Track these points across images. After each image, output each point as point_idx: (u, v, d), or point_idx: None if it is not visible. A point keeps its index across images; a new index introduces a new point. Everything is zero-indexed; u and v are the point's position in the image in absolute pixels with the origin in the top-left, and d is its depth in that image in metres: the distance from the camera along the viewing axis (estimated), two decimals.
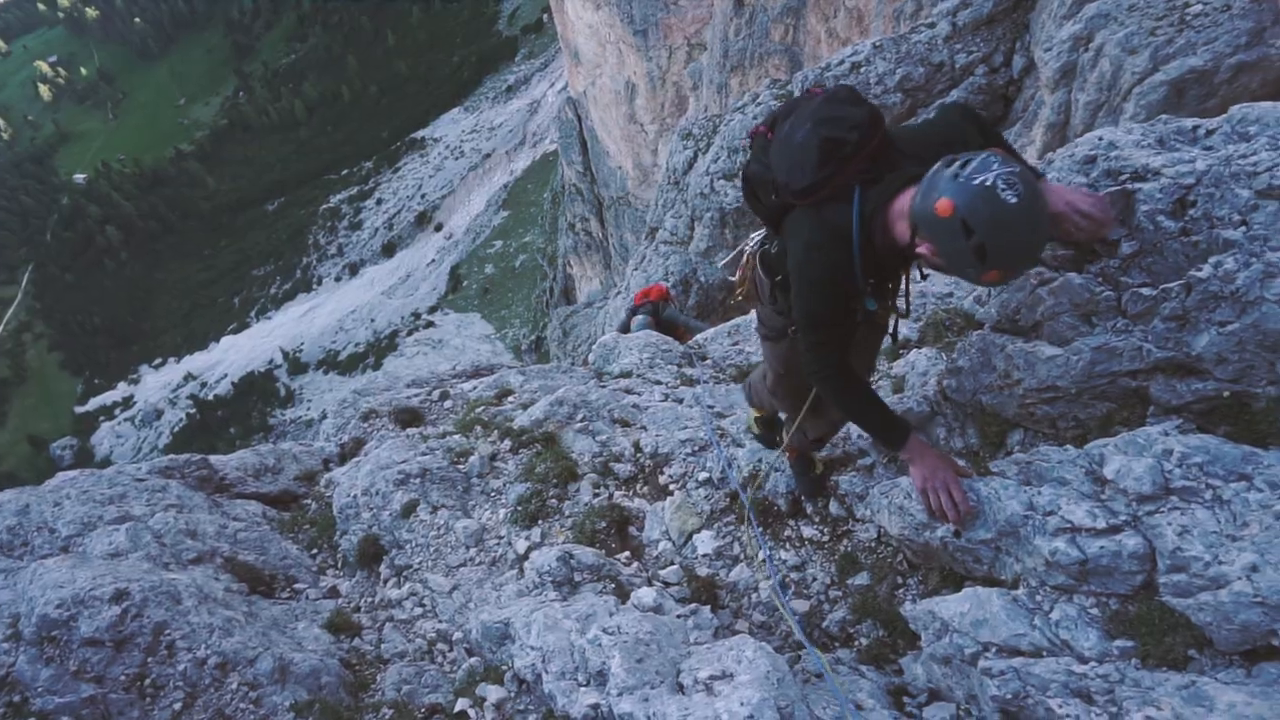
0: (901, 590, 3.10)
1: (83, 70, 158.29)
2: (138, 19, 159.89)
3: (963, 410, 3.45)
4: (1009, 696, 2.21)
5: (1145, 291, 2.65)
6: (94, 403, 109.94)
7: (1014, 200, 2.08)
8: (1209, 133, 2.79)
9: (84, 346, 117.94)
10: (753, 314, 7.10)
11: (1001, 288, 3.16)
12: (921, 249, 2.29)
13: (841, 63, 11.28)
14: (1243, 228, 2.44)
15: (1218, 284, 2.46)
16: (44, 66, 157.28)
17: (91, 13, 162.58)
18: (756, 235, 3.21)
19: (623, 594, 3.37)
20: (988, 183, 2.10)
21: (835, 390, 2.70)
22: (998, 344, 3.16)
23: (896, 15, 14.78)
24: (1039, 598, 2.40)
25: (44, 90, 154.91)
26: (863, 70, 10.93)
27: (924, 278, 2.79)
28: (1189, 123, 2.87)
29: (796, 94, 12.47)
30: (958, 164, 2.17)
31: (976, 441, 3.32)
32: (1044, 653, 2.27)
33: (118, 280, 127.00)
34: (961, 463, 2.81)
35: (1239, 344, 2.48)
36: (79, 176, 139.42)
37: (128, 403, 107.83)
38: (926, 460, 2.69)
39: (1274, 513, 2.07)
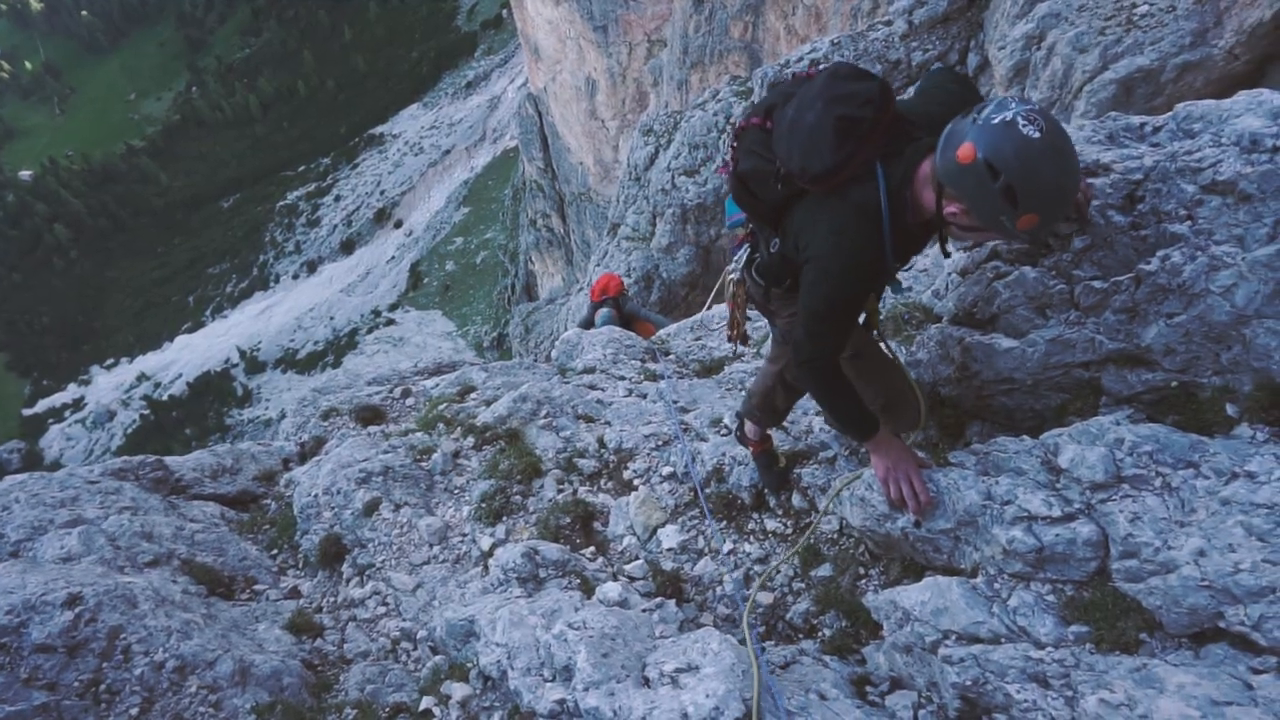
0: (864, 581, 3.14)
1: (27, 64, 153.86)
2: (85, 11, 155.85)
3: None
4: (968, 683, 2.25)
5: (1097, 284, 2.72)
6: (42, 404, 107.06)
7: (1036, 135, 2.01)
8: (1156, 130, 2.86)
9: (31, 347, 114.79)
10: (715, 309, 7.14)
11: (969, 283, 3.17)
12: (950, 209, 2.23)
13: (800, 60, 11.37)
14: (1188, 222, 2.52)
15: (1165, 277, 2.54)
16: None
17: (36, 5, 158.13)
18: (730, 266, 3.12)
19: (588, 589, 3.38)
20: (1007, 119, 2.04)
21: (822, 382, 2.63)
22: (955, 337, 3.21)
23: (854, 13, 14.93)
24: (997, 585, 2.45)
25: None
26: (821, 67, 11.03)
27: (946, 255, 2.70)
28: (1137, 120, 2.94)
29: (758, 90, 12.44)
30: (974, 111, 2.12)
31: (935, 433, 3.38)
32: (1002, 639, 2.32)
33: (67, 279, 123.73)
34: (921, 454, 2.85)
35: (1186, 335, 2.55)
36: (25, 173, 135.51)
37: (78, 404, 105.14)
38: (890, 452, 2.70)
39: (1220, 499, 2.14)
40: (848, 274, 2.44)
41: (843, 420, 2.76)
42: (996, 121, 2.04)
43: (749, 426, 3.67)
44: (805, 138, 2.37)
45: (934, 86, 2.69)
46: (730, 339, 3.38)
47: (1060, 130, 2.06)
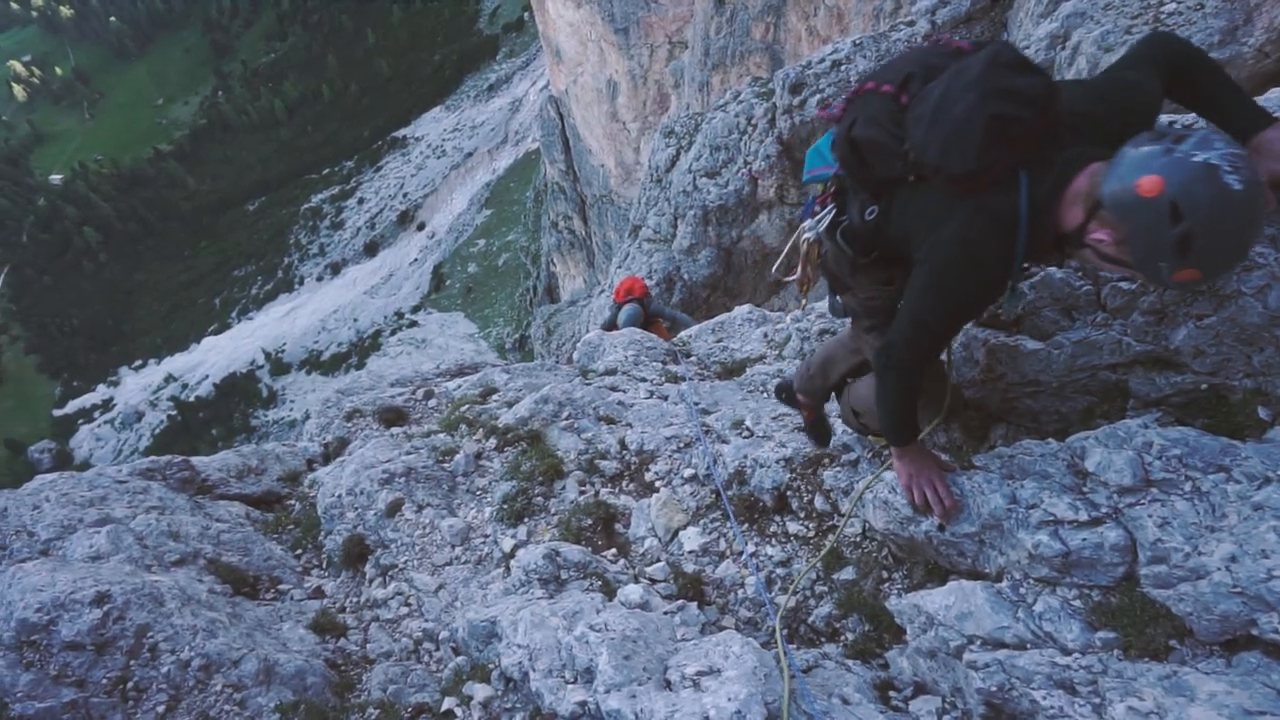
0: (887, 584, 3.11)
1: (58, 70, 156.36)
2: (114, 18, 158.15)
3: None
4: (994, 689, 2.23)
5: (1124, 285, 2.69)
6: (73, 405, 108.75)
7: (1239, 187, 1.74)
8: (1186, 127, 2.82)
9: (62, 349, 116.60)
10: (735, 311, 7.12)
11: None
12: (1098, 235, 1.96)
13: (822, 60, 11.33)
14: None
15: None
16: (18, 66, 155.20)
17: (66, 11, 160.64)
18: (809, 223, 2.83)
19: (609, 591, 3.37)
20: (1211, 161, 1.75)
21: (903, 386, 2.50)
22: (980, 339, 3.18)
23: (876, 13, 14.85)
24: (1023, 590, 2.42)
25: (18, 90, 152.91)
26: (843, 68, 10.98)
27: (1062, 265, 2.48)
28: (1165, 119, 2.90)
29: (779, 91, 12.22)
30: (1169, 138, 1.84)
31: (960, 435, 3.35)
32: (1028, 645, 2.29)
33: (96, 282, 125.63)
34: (945, 458, 2.82)
35: (1216, 337, 2.51)
36: (55, 177, 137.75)
37: (107, 405, 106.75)
38: (913, 458, 2.66)
39: (1252, 504, 2.10)
40: (968, 289, 2.24)
41: (893, 422, 2.62)
42: (1198, 160, 1.76)
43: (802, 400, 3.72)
44: (949, 131, 2.11)
45: (1107, 77, 2.28)
46: (801, 292, 3.18)
47: (1258, 183, 1.79)
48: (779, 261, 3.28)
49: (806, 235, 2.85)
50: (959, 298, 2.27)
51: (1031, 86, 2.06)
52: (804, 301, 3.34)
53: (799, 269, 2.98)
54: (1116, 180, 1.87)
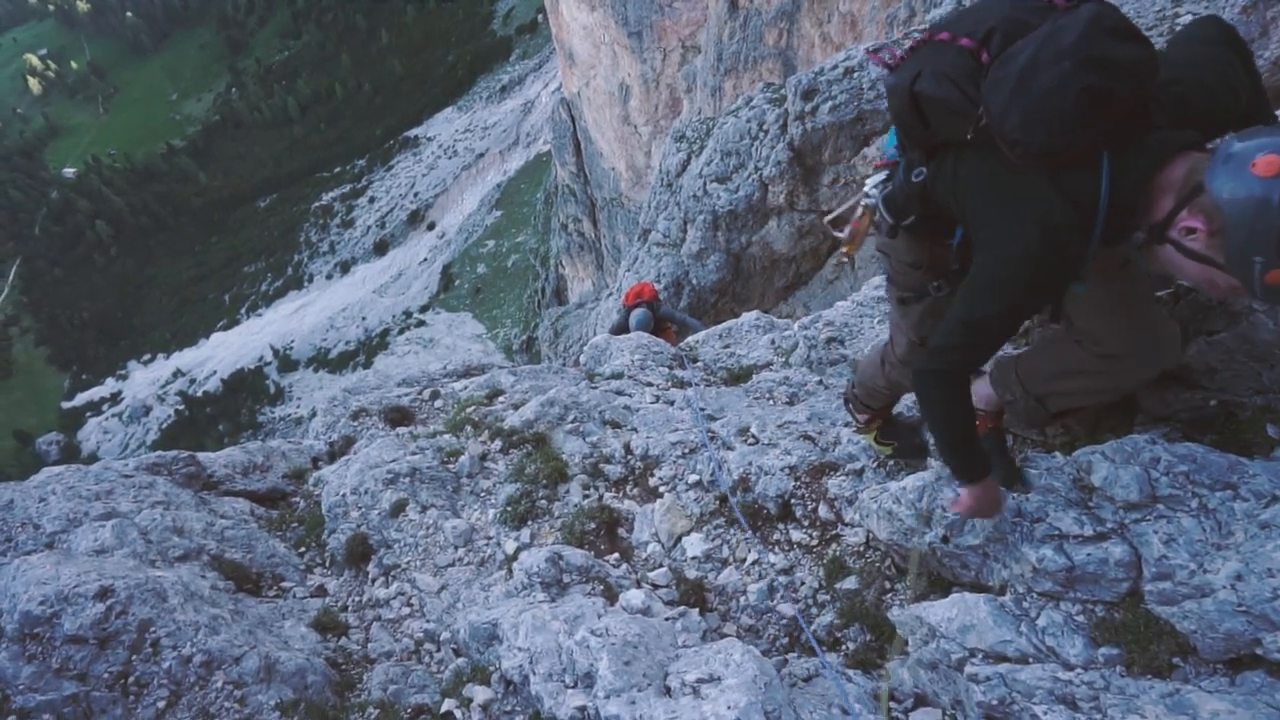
0: (889, 595, 3.10)
1: (73, 64, 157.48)
2: (130, 13, 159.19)
3: None
4: (995, 702, 2.22)
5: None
6: (81, 398, 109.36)
7: None
8: None
9: (72, 342, 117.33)
10: (743, 317, 7.11)
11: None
12: (1189, 223, 1.78)
13: (835, 67, 11.31)
14: None
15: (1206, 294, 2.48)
16: (33, 60, 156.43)
17: (83, 6, 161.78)
18: (872, 180, 2.62)
19: (611, 596, 3.37)
20: None
21: (946, 395, 2.23)
22: None
23: (890, 21, 14.84)
24: (1026, 604, 2.41)
25: (33, 83, 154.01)
26: (856, 75, 10.96)
27: (1123, 265, 2.24)
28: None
29: (791, 97, 12.09)
30: None
31: None
32: (1030, 659, 2.28)
33: (107, 276, 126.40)
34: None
35: (1227, 353, 2.50)
36: (69, 171, 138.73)
37: (115, 399, 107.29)
38: (988, 500, 2.37)
39: (1259, 522, 2.09)
40: (1037, 281, 2.01)
41: (953, 447, 2.31)
42: None
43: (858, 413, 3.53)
44: (1035, 102, 1.87)
45: (1205, 53, 2.06)
46: (844, 255, 3.07)
47: None
48: (835, 212, 3.04)
49: (866, 202, 2.65)
50: (1027, 293, 2.03)
51: (1133, 58, 1.85)
52: (845, 259, 3.16)
53: (849, 227, 2.79)
54: (1225, 161, 1.70)
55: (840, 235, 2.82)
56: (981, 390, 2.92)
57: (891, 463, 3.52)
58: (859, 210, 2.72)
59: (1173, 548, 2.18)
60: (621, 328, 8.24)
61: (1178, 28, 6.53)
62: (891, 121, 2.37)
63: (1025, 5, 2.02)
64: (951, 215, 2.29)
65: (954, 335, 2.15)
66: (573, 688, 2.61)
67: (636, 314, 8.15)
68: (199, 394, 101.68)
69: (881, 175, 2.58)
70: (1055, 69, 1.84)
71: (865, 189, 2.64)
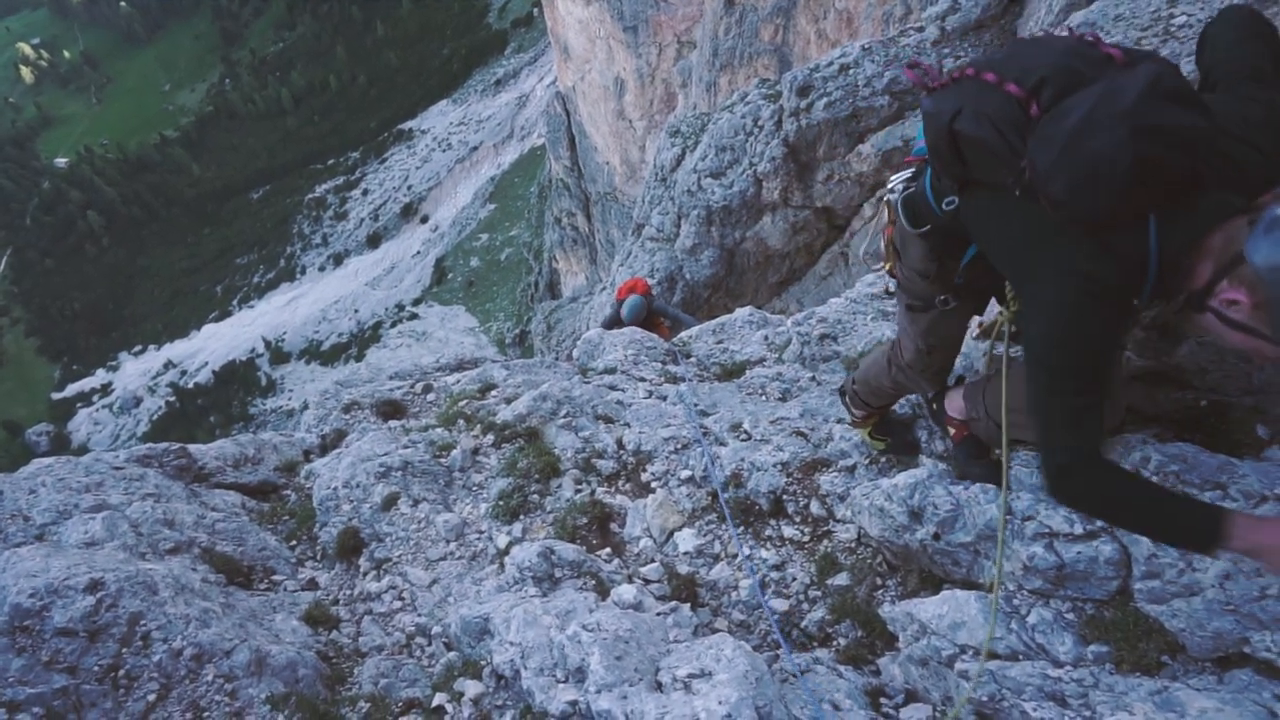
0: (880, 591, 3.11)
1: (66, 53, 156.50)
2: (123, 2, 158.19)
3: (941, 415, 3.45)
4: (985, 699, 2.23)
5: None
6: (71, 389, 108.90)
7: None
8: None
9: (62, 332, 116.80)
10: (736, 313, 7.12)
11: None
12: (1230, 296, 1.69)
13: (830, 64, 11.32)
14: None
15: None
16: (26, 49, 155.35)
17: None
18: (898, 176, 2.55)
19: (603, 591, 3.37)
20: None
21: (1107, 494, 1.92)
22: (980, 349, 3.18)
23: (886, 18, 14.84)
24: (1016, 601, 2.42)
25: (26, 73, 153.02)
26: (851, 72, 10.97)
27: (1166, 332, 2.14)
28: None
29: (787, 94, 12.11)
30: None
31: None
32: (1020, 656, 2.29)
33: (99, 266, 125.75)
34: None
35: (1218, 354, 2.51)
36: (61, 160, 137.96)
37: (106, 390, 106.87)
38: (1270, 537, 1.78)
39: None
40: (1093, 332, 1.86)
41: (1170, 531, 1.92)
42: None
43: (852, 408, 3.50)
44: (1086, 167, 1.75)
45: (1259, 104, 1.91)
46: (888, 272, 2.81)
47: None
48: (871, 243, 2.96)
49: (888, 197, 2.57)
50: (1094, 340, 1.88)
51: (1192, 126, 1.71)
52: (888, 290, 2.98)
53: (887, 233, 2.69)
54: (1268, 231, 1.61)
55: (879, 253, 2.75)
56: (956, 401, 2.95)
57: (884, 459, 3.53)
58: (882, 207, 2.66)
59: (1162, 546, 2.19)
60: (614, 321, 8.23)
61: (1172, 28, 6.56)
62: (928, 153, 2.26)
63: (1079, 54, 1.91)
64: (977, 244, 2.25)
65: (1049, 417, 1.96)
66: (564, 682, 2.61)
67: (629, 302, 8.12)
68: (190, 386, 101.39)
69: (907, 174, 2.50)
70: (1109, 134, 1.71)
71: (889, 183, 2.58)
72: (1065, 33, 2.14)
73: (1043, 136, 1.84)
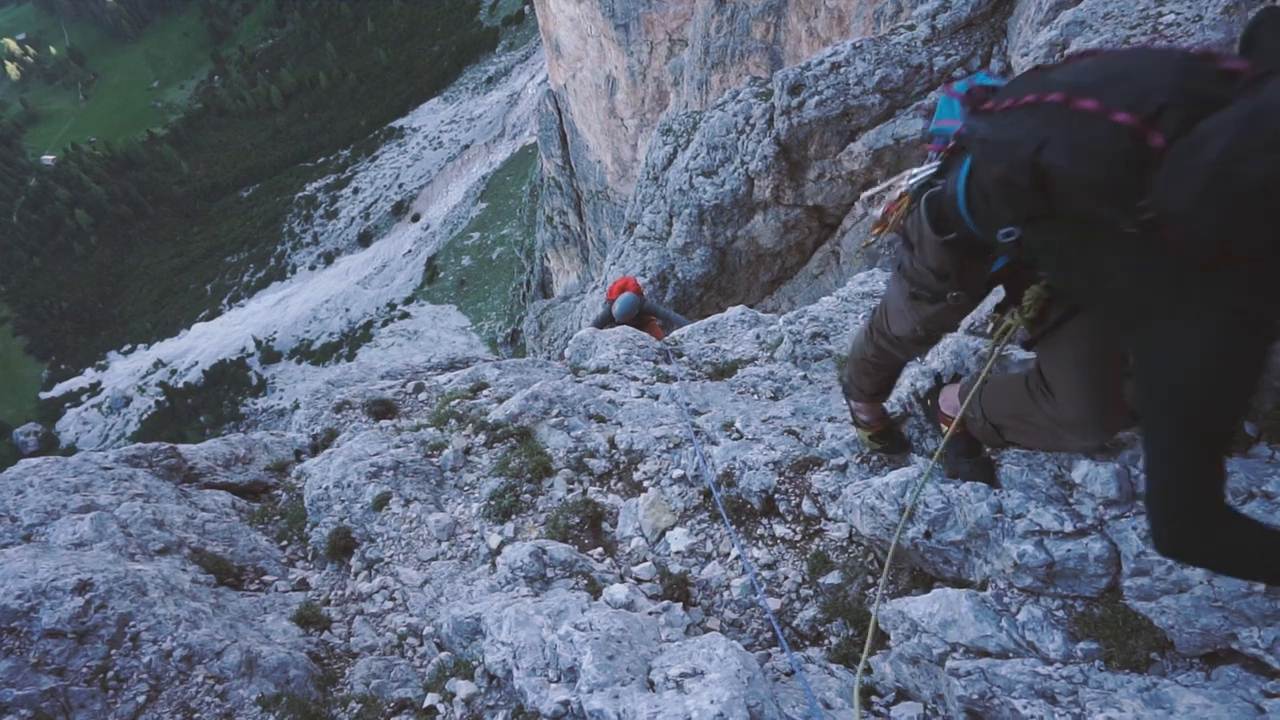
0: (872, 590, 3.12)
1: (52, 49, 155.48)
2: None
3: (934, 411, 3.46)
4: (975, 697, 2.24)
5: None
6: (60, 388, 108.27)
7: None
8: None
9: (50, 331, 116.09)
10: (728, 312, 7.12)
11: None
12: None
13: (821, 62, 11.32)
14: None
15: None
16: (11, 44, 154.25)
17: None
18: (916, 171, 2.40)
19: (595, 590, 3.37)
20: None
21: (1223, 547, 1.74)
22: (970, 347, 3.19)
23: (876, 16, 14.85)
24: (1006, 599, 2.43)
25: (11, 69, 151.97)
26: (842, 70, 10.97)
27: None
28: None
29: (778, 92, 12.14)
30: None
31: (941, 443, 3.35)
32: (1010, 654, 2.30)
33: (87, 265, 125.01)
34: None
35: None
36: (47, 158, 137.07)
37: (95, 389, 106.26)
38: None
39: None
40: (1249, 369, 1.67)
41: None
42: None
43: (856, 405, 3.43)
44: (1239, 200, 1.49)
45: None
46: (873, 232, 2.71)
47: None
48: (874, 190, 2.77)
49: (903, 186, 2.43)
50: (1250, 376, 1.69)
51: None
52: (869, 243, 2.89)
53: (883, 211, 2.57)
54: None
55: (875, 210, 2.68)
56: (950, 399, 2.95)
57: (875, 458, 3.54)
58: (897, 193, 2.48)
59: (1151, 543, 2.20)
60: (606, 320, 8.23)
61: (1161, 27, 6.58)
62: (995, 187, 2.00)
63: (1196, 72, 1.65)
64: (1047, 276, 2.09)
65: (1176, 475, 1.75)
66: (556, 682, 2.61)
67: (623, 299, 8.13)
68: (180, 385, 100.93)
69: (930, 169, 2.33)
70: (1265, 160, 1.44)
71: (908, 173, 2.42)
72: (1162, 43, 2.00)
73: (1179, 169, 1.57)
